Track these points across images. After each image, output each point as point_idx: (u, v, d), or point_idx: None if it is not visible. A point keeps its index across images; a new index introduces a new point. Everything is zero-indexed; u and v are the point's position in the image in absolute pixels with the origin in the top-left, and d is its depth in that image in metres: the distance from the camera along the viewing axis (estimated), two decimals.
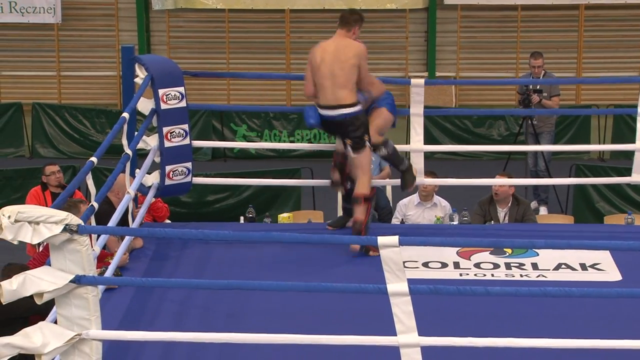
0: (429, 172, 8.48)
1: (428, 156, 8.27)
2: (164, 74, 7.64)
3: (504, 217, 9.10)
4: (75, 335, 5.03)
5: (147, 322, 6.12)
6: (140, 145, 7.50)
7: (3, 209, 4.91)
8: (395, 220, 9.55)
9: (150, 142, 7.68)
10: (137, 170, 7.49)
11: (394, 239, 4.94)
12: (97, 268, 6.39)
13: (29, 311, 6.54)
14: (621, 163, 12.82)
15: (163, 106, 7.60)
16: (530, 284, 6.73)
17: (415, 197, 9.52)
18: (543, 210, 11.86)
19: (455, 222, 9.11)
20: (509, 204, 9.12)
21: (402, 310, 5.01)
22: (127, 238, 6.89)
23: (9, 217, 4.84)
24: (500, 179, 9.02)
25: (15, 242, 4.93)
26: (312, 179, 10.90)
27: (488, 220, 9.16)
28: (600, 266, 7.04)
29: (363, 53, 7.04)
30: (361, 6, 16.92)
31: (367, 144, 7.11)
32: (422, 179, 8.00)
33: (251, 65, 17.33)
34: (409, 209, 9.48)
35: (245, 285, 5.48)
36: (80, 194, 9.53)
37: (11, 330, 5.27)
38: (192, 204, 11.65)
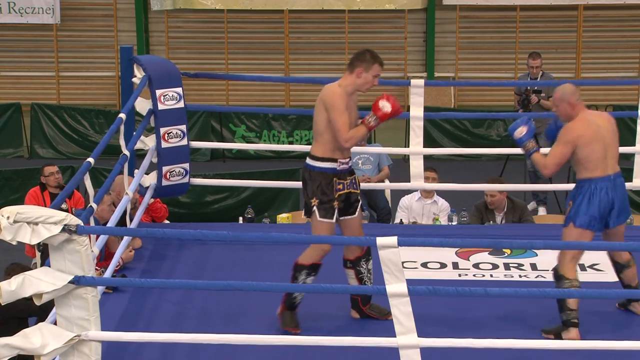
0: (429, 168, 8.51)
1: (427, 157, 8.28)
2: (161, 74, 7.64)
3: (501, 221, 9.10)
4: (75, 336, 5.03)
5: (145, 322, 6.12)
6: (139, 145, 7.50)
7: (2, 209, 4.91)
8: (399, 216, 9.60)
9: (148, 142, 7.68)
10: (136, 171, 7.49)
11: (393, 239, 4.94)
12: (104, 266, 6.46)
13: (25, 312, 6.52)
14: (619, 164, 12.79)
15: (160, 107, 7.59)
16: (529, 285, 6.74)
17: (416, 193, 9.59)
18: (542, 211, 11.85)
19: (454, 223, 9.11)
20: (505, 209, 9.13)
21: (401, 311, 5.01)
22: (126, 238, 6.89)
23: (8, 217, 4.84)
24: (494, 185, 8.99)
25: (14, 243, 4.93)
26: None
27: (486, 223, 9.15)
28: (599, 266, 7.05)
29: (329, 101, 5.88)
30: (360, 7, 16.93)
31: (315, 212, 6.02)
32: (422, 183, 8.10)
33: (250, 65, 17.31)
34: (411, 204, 9.56)
35: (243, 287, 5.47)
36: (79, 194, 9.54)
37: (6, 330, 5.27)
38: (191, 204, 11.64)
